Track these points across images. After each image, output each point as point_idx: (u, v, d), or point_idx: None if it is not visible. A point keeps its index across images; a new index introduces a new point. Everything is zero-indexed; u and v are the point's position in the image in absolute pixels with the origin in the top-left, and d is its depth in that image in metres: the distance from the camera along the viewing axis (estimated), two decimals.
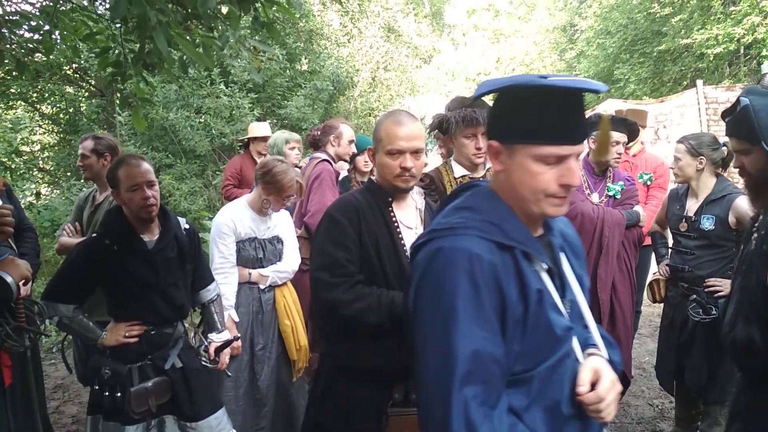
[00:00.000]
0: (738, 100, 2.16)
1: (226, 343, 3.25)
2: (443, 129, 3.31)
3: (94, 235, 2.85)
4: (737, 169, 2.26)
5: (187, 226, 3.10)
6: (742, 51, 14.99)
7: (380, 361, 2.24)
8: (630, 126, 3.98)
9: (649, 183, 4.82)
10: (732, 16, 14.07)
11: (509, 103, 1.48)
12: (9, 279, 2.92)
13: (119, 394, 2.75)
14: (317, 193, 4.15)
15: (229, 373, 3.40)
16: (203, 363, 3.15)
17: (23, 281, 3.04)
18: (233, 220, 3.49)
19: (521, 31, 25.43)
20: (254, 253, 3.57)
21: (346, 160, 4.65)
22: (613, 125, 3.92)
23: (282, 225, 3.73)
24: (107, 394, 2.76)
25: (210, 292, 3.27)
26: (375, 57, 12.71)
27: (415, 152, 2.32)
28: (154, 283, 2.85)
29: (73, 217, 4.11)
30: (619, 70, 17.54)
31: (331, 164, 4.34)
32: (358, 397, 2.29)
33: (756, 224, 2.31)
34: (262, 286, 3.60)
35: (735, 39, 13.93)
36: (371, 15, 12.89)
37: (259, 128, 6.07)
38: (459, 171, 3.32)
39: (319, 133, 4.58)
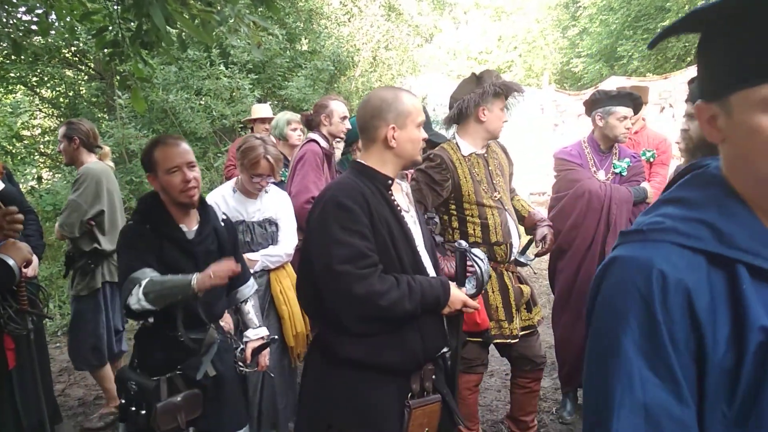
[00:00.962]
0: None
1: (265, 344, 2.96)
2: (472, 106, 3.27)
3: (130, 222, 2.59)
4: (682, 132, 2.42)
5: (224, 216, 2.87)
6: None
7: (405, 354, 2.18)
8: (635, 100, 3.92)
9: (651, 160, 4.78)
10: None
11: (707, 43, 1.02)
12: (11, 262, 2.91)
13: (144, 411, 2.45)
14: (299, 175, 4.04)
15: (272, 374, 3.26)
16: (239, 369, 2.83)
17: (25, 264, 3.04)
18: (217, 203, 3.39)
19: (523, 8, 25.22)
20: (241, 236, 3.42)
21: (341, 138, 4.57)
22: (618, 100, 3.87)
23: (277, 207, 3.60)
24: (134, 409, 2.48)
25: (249, 289, 3.01)
26: (376, 36, 12.59)
27: None
28: None
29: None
30: (622, 47, 17.40)
31: (318, 144, 4.22)
32: (380, 394, 2.19)
33: None
34: (252, 271, 3.43)
35: None
36: None
37: (261, 110, 6.06)
38: (467, 149, 3.32)
39: (312, 113, 4.46)
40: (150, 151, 2.54)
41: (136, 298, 2.33)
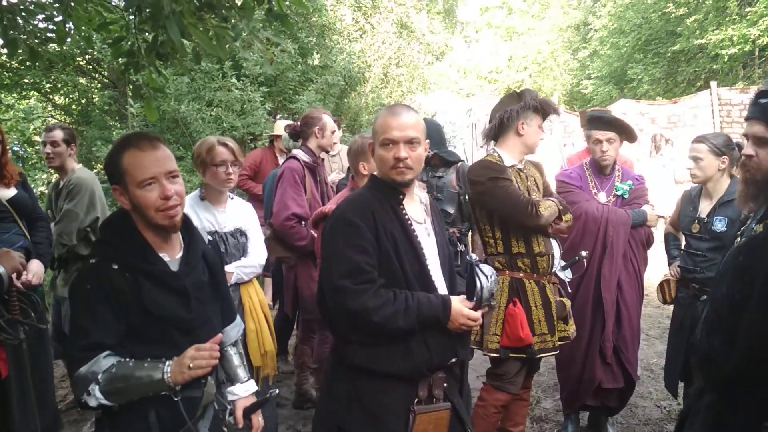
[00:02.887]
0: None
1: (259, 403, 2.32)
2: (511, 118, 3.35)
3: (93, 261, 1.96)
4: (744, 157, 2.03)
5: (209, 238, 2.37)
6: (757, 53, 14.87)
7: (411, 365, 2.24)
8: (610, 123, 3.91)
9: None
10: (747, 17, 13.97)
11: None
12: (1, 269, 2.92)
13: None
14: (278, 193, 4.15)
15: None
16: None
17: (15, 273, 3.06)
18: (189, 215, 3.29)
19: (534, 29, 25.35)
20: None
21: (328, 151, 4.61)
22: (592, 124, 3.93)
23: (243, 217, 3.51)
24: None
25: (237, 330, 2.44)
26: (387, 53, 12.67)
27: (409, 142, 2.28)
28: (185, 321, 1.97)
29: (47, 206, 4.38)
30: (632, 70, 17.47)
31: (298, 160, 4.27)
32: (387, 399, 2.27)
33: (742, 228, 2.21)
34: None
35: (750, 40, 13.84)
36: (384, 10, 12.84)
37: (282, 126, 6.18)
38: (509, 161, 3.39)
39: (299, 124, 4.47)
40: (116, 156, 1.95)
41: (95, 399, 1.83)
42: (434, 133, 4.58)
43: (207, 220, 3.34)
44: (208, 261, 2.20)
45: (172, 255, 2.06)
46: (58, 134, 4.19)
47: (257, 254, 3.52)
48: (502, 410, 3.43)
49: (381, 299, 2.16)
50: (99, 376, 1.81)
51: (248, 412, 2.29)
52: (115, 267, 1.91)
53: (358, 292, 2.15)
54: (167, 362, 1.86)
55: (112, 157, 1.98)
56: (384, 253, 2.22)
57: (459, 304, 2.28)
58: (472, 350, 3.34)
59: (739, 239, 2.17)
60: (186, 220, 2.14)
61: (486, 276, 2.30)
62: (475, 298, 2.30)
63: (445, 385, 2.35)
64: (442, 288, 2.37)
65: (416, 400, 2.27)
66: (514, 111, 3.34)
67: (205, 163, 3.29)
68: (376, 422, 2.26)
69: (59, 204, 4.17)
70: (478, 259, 2.33)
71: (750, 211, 2.14)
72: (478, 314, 2.31)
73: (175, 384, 1.86)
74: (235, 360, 2.38)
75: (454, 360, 2.36)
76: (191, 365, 1.85)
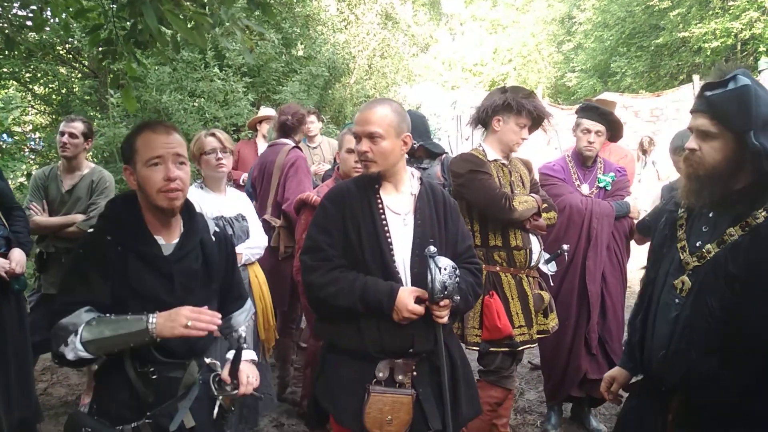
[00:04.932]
0: (734, 77, 1.80)
1: (235, 359, 2.21)
2: (489, 113, 3.36)
3: (91, 230, 2.07)
4: (688, 151, 1.90)
5: (216, 230, 2.32)
6: (739, 46, 14.99)
7: (362, 342, 2.32)
8: (604, 115, 3.90)
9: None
10: (730, 11, 14.08)
11: None
12: None
13: None
14: (293, 181, 4.19)
15: (259, 394, 2.52)
16: (217, 399, 2.17)
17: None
18: (198, 204, 3.25)
19: (519, 22, 25.38)
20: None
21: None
22: (584, 112, 3.92)
23: (241, 202, 3.72)
24: None
25: (245, 315, 2.48)
26: (371, 44, 12.63)
27: (370, 136, 2.33)
28: (167, 303, 1.96)
29: (34, 195, 4.23)
30: (616, 63, 17.56)
31: (302, 151, 4.41)
32: (343, 373, 2.38)
33: (679, 225, 2.04)
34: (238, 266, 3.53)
35: (732, 34, 13.95)
36: (368, 1, 12.80)
37: (268, 111, 6.32)
38: (492, 155, 3.41)
39: (290, 118, 4.57)
40: (133, 137, 2.03)
41: (73, 348, 1.86)
42: (419, 125, 4.58)
43: (214, 206, 3.49)
44: (205, 249, 2.18)
45: (169, 240, 2.10)
46: (79, 126, 4.20)
47: (260, 236, 3.73)
48: (496, 408, 3.39)
49: (329, 277, 2.30)
50: (79, 328, 1.87)
51: (232, 371, 2.21)
52: (109, 238, 2.00)
53: (312, 268, 2.33)
54: (150, 314, 1.89)
55: (129, 138, 2.06)
56: (347, 236, 2.36)
57: (406, 297, 2.25)
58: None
59: (683, 238, 2.01)
60: (189, 206, 2.19)
61: (440, 268, 2.23)
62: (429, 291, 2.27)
63: (414, 373, 2.36)
64: (405, 277, 2.36)
65: (374, 380, 2.32)
66: (488, 107, 3.35)
67: (197, 153, 3.47)
68: (332, 394, 2.38)
69: (78, 196, 4.21)
70: (435, 251, 2.28)
71: (692, 206, 1.99)
72: (421, 309, 2.26)
73: (158, 336, 1.88)
74: (243, 333, 2.37)
75: (411, 350, 2.34)
76: (189, 324, 1.87)
